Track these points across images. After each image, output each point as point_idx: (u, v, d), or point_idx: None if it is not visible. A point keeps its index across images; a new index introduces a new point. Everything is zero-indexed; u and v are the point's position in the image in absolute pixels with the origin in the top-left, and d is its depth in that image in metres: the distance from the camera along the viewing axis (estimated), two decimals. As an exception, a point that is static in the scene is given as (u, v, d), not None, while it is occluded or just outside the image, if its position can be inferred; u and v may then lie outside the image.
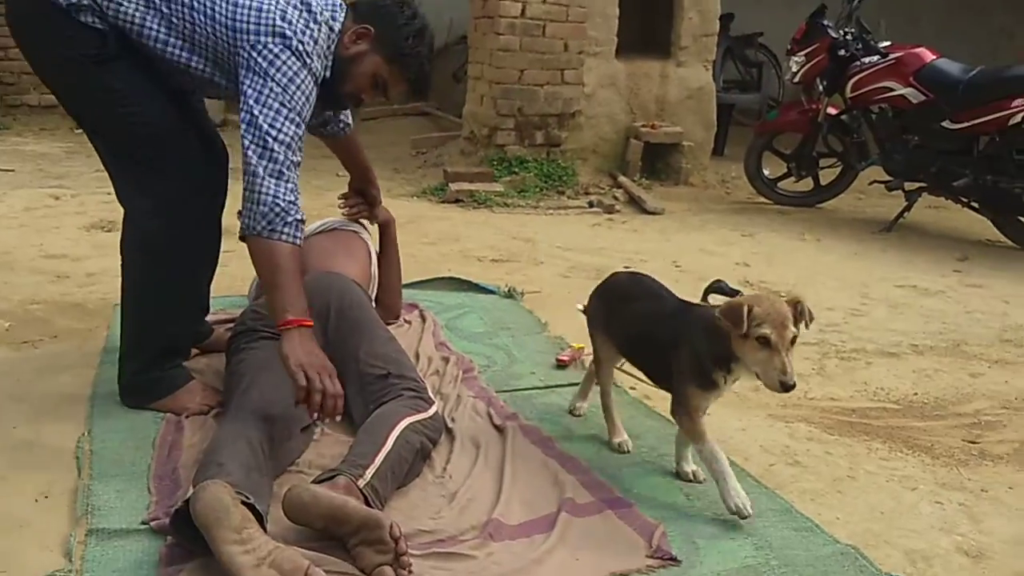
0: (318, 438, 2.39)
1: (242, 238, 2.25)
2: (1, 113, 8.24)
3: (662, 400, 2.79)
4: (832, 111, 5.78)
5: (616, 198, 6.02)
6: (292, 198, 2.22)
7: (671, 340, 2.21)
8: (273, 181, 2.20)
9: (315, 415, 2.16)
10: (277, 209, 2.19)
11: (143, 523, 1.96)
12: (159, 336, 2.56)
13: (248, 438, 2.02)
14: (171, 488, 2.10)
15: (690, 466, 2.31)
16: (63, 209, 5.01)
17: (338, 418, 2.24)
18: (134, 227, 2.53)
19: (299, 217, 2.24)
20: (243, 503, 1.78)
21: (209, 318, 3.00)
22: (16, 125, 8.08)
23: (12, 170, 6.12)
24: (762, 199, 6.16)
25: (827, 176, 6.06)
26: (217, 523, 1.73)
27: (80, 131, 7.60)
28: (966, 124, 5.08)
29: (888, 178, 5.58)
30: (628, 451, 2.42)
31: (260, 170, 2.19)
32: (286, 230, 2.21)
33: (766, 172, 6.12)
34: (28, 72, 8.37)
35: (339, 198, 3.06)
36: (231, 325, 2.86)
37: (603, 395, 2.52)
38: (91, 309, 3.40)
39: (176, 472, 2.18)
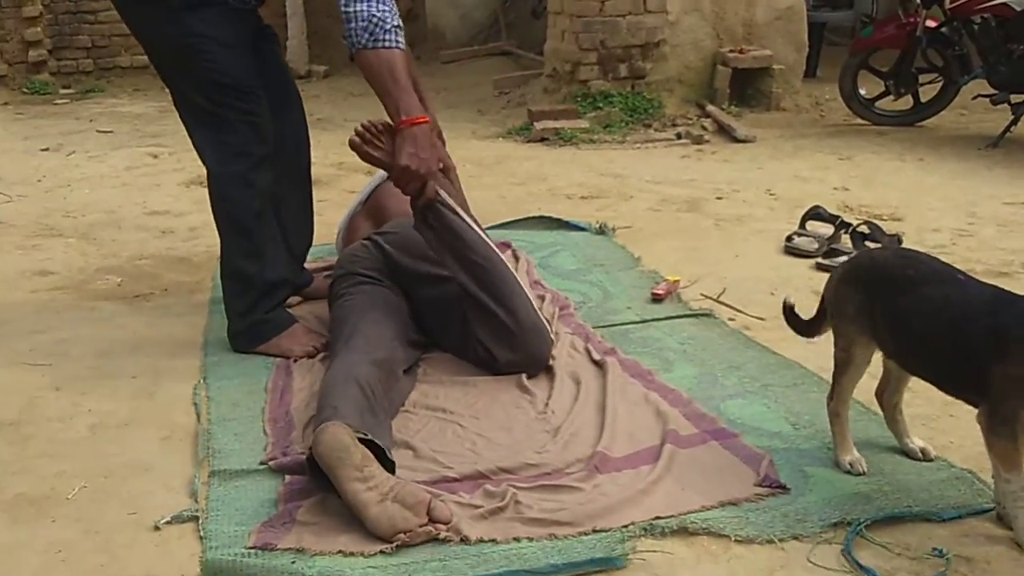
0: (421, 379, 2.44)
1: (352, 59, 2.43)
2: (96, 76, 8.48)
3: (762, 330, 2.76)
4: (931, 24, 5.51)
5: (705, 128, 5.89)
6: (385, 7, 2.37)
7: (994, 340, 1.68)
8: None
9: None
10: (374, 19, 2.35)
11: (261, 463, 2.04)
12: (250, 280, 2.67)
13: (358, 381, 2.06)
14: (285, 430, 2.18)
15: (917, 442, 2.02)
16: (162, 167, 5.16)
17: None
18: (209, 177, 2.68)
19: (396, 23, 2.39)
20: (362, 440, 1.83)
21: (308, 266, 3.07)
22: (110, 87, 8.31)
23: (111, 131, 6.32)
24: (859, 120, 5.93)
25: (927, 93, 5.80)
26: (339, 463, 1.78)
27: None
28: (1075, 29, 4.81)
29: (993, 91, 5.31)
30: (863, 472, 1.95)
31: None
32: (387, 37, 2.37)
33: (862, 92, 5.88)
34: (119, 34, 8.66)
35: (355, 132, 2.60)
36: (330, 272, 2.93)
37: (840, 403, 1.98)
38: (196, 262, 3.51)
39: (289, 415, 2.25)
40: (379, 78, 2.41)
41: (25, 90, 8.07)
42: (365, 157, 2.54)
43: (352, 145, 2.53)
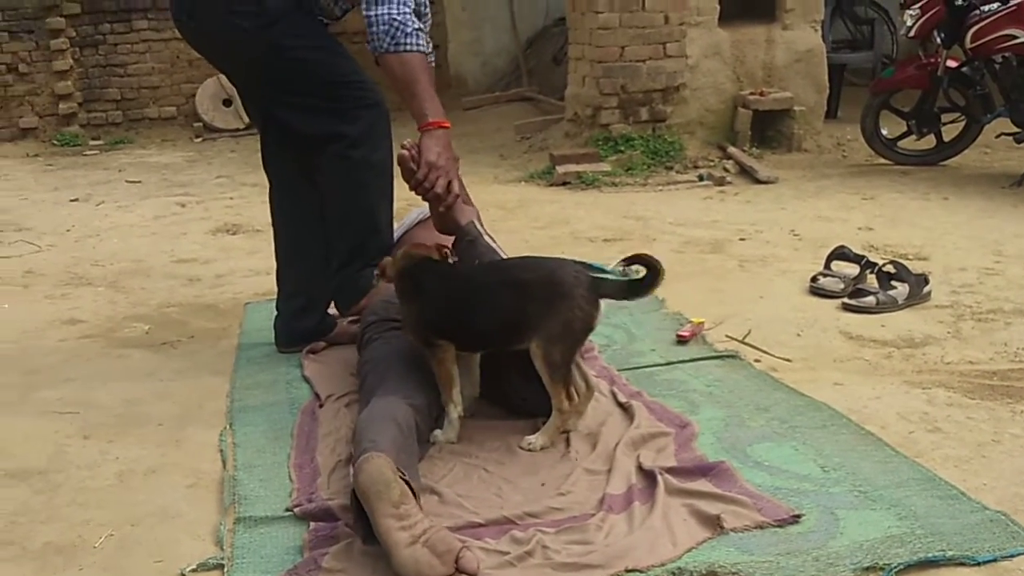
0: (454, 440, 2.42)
1: (377, 63, 2.53)
2: (125, 128, 8.64)
3: (789, 371, 2.75)
4: (952, 64, 5.51)
5: (727, 169, 5.90)
6: (406, 10, 2.50)
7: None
8: (385, 3, 2.49)
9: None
10: (396, 23, 2.47)
11: (287, 510, 2.03)
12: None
13: (396, 420, 2.05)
14: (311, 476, 2.17)
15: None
16: (189, 216, 5.23)
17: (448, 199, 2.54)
18: (337, 158, 2.76)
19: (417, 27, 2.52)
20: (402, 479, 1.82)
21: (332, 311, 3.09)
22: (139, 138, 8.46)
23: (139, 181, 6.43)
24: (882, 160, 5.93)
25: (950, 132, 5.79)
26: (377, 496, 1.77)
27: (199, 139, 7.91)
28: (1096, 68, 4.80)
29: (1016, 129, 5.30)
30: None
31: None
32: (408, 40, 2.49)
33: (884, 132, 5.88)
34: (147, 87, 8.89)
35: (402, 147, 2.63)
36: (354, 318, 2.94)
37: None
38: (223, 309, 3.54)
39: (315, 461, 2.25)
40: (402, 82, 2.51)
41: (55, 142, 8.24)
42: (409, 173, 2.56)
43: (401, 160, 2.56)
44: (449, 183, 2.50)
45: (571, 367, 2.25)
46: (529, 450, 2.26)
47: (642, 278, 2.31)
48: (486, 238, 2.53)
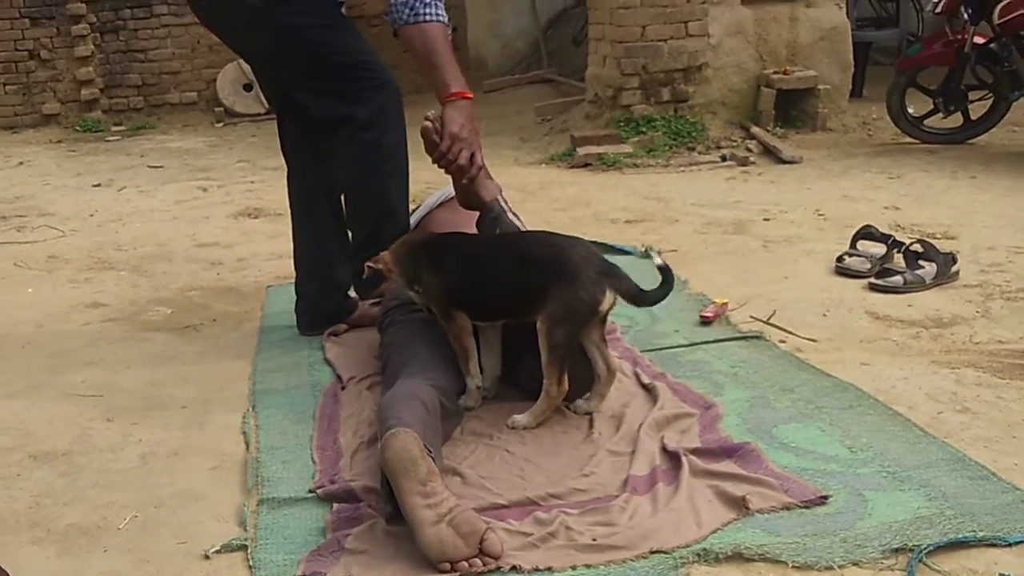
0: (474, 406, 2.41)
1: (395, 35, 2.48)
2: (146, 113, 8.67)
3: (815, 352, 2.71)
4: (979, 40, 5.42)
5: (750, 150, 5.84)
6: None
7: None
8: None
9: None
10: None
11: (310, 491, 2.03)
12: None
13: (421, 399, 2.04)
14: (333, 458, 2.17)
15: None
16: (211, 200, 5.24)
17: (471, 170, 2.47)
18: (348, 141, 2.74)
19: None
20: (429, 455, 1.81)
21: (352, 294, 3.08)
22: (160, 124, 8.49)
23: (161, 166, 6.44)
24: (908, 139, 5.85)
25: (977, 110, 5.70)
26: (404, 473, 1.76)
27: (220, 124, 7.90)
28: None
29: (1046, 106, 5.23)
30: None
31: None
32: (427, 11, 2.43)
33: (910, 110, 5.79)
34: (168, 72, 8.91)
35: (425, 119, 2.52)
36: (377, 301, 2.93)
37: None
38: (245, 293, 3.54)
39: (337, 442, 2.24)
40: (423, 53, 2.46)
41: (78, 128, 8.27)
42: (431, 146, 2.50)
43: (424, 132, 2.49)
44: (472, 155, 2.46)
45: (570, 349, 2.23)
46: (513, 428, 2.26)
47: (654, 289, 2.27)
48: (510, 215, 2.51)
